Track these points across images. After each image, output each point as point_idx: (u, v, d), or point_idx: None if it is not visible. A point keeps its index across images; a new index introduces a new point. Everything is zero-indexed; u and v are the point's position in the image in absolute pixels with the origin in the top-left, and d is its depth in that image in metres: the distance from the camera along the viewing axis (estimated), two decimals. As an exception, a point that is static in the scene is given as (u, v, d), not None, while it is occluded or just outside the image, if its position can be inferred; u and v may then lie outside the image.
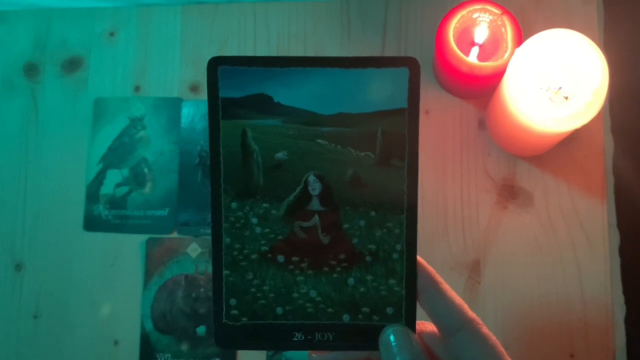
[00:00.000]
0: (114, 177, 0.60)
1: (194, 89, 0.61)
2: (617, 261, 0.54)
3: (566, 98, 0.48)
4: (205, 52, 0.61)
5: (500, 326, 0.54)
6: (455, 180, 0.56)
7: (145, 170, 0.60)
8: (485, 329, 0.27)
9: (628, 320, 0.53)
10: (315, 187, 0.27)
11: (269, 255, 0.27)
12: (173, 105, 0.60)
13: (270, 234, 0.27)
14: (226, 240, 0.27)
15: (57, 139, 0.61)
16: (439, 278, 0.28)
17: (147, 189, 0.59)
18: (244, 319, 0.27)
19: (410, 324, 0.27)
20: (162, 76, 0.61)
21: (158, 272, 0.58)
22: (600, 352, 0.53)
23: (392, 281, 0.27)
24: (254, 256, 0.27)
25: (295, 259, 0.27)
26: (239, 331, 0.27)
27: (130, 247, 0.59)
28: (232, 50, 0.61)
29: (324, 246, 0.27)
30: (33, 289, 0.59)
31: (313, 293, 0.27)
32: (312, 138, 0.26)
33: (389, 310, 0.27)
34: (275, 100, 0.26)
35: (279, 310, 0.27)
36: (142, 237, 0.58)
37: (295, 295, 0.27)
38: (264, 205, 0.27)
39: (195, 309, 0.57)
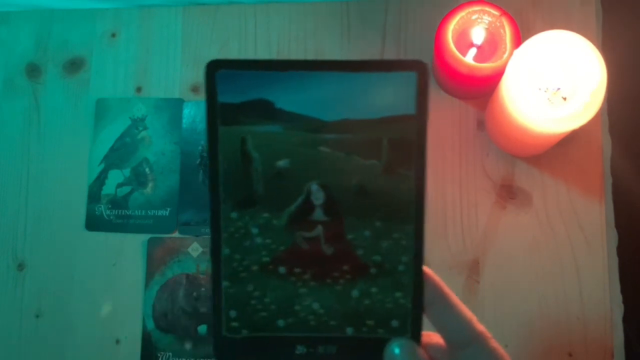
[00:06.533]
0: (115, 177, 0.60)
1: (195, 89, 0.61)
2: (615, 261, 0.55)
3: (564, 99, 0.48)
4: (206, 53, 0.62)
5: (499, 325, 0.54)
6: (454, 181, 0.56)
7: (147, 170, 0.60)
8: (494, 343, 0.26)
9: (626, 320, 0.54)
10: (318, 197, 0.25)
11: (270, 267, 0.26)
12: (174, 105, 0.61)
13: (271, 244, 0.26)
14: (225, 251, 0.26)
15: (59, 140, 0.62)
16: (447, 290, 0.27)
17: (149, 189, 0.60)
18: (245, 332, 0.26)
19: (416, 337, 0.26)
20: (163, 77, 0.62)
21: (159, 271, 0.58)
22: (598, 351, 0.53)
23: (398, 294, 0.26)
24: (254, 267, 0.26)
25: (297, 270, 0.26)
26: (239, 344, 0.26)
27: (131, 246, 0.59)
28: (232, 51, 0.61)
29: (328, 257, 0.26)
30: (35, 288, 0.59)
31: (316, 305, 0.26)
32: (315, 145, 0.25)
33: (395, 323, 0.26)
34: (277, 105, 0.25)
35: (281, 322, 0.26)
36: (144, 237, 0.59)
37: (298, 307, 0.26)
38: (265, 215, 0.26)
39: (197, 308, 0.57)
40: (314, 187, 0.25)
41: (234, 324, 0.26)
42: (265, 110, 0.25)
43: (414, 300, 0.26)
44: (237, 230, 0.26)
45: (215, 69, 0.25)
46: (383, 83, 0.25)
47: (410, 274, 0.26)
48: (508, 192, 0.56)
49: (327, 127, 0.25)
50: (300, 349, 0.26)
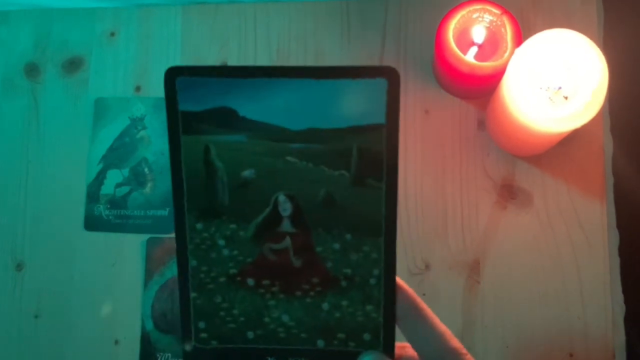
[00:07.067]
0: (114, 177, 0.60)
1: (195, 89, 0.61)
2: (617, 261, 0.54)
3: (566, 98, 0.48)
4: (205, 52, 0.61)
5: (500, 325, 0.54)
6: (454, 180, 0.56)
7: (146, 170, 0.60)
8: (468, 358, 0.25)
9: (627, 320, 0.54)
10: (285, 208, 0.25)
11: (238, 279, 0.25)
12: (173, 105, 0.61)
13: (238, 256, 0.25)
14: (192, 262, 0.26)
15: (58, 139, 0.61)
16: (420, 303, 0.26)
17: (148, 188, 0.60)
18: (214, 343, 0.26)
19: (389, 350, 0.26)
20: (162, 76, 0.61)
21: (158, 271, 0.58)
22: (599, 351, 0.53)
23: (369, 307, 0.25)
24: (222, 279, 0.26)
25: (265, 282, 0.25)
26: (208, 355, 0.26)
27: (130, 246, 0.59)
28: (232, 50, 0.61)
29: (296, 269, 0.25)
30: (34, 288, 0.59)
31: (285, 317, 0.26)
32: (281, 155, 0.24)
33: (366, 336, 0.26)
34: (240, 114, 0.24)
35: (250, 334, 0.26)
36: (143, 237, 0.59)
37: (267, 319, 0.26)
38: (231, 226, 0.25)
39: (196, 309, 0.57)
40: (281, 197, 0.25)
41: (203, 335, 0.26)
42: (228, 119, 0.24)
43: (385, 314, 0.25)
44: (203, 241, 0.25)
45: (174, 75, 0.24)
46: (352, 90, 0.23)
47: (382, 287, 0.25)
48: (509, 192, 0.56)
49: (293, 136, 0.24)
50: None
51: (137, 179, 0.60)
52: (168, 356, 0.57)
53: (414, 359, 0.27)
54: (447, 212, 0.56)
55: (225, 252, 0.25)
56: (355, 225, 0.25)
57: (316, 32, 0.61)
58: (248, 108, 0.23)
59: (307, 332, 0.26)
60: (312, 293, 0.25)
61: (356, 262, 0.25)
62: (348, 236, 0.25)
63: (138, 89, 0.61)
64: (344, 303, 0.25)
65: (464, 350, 0.26)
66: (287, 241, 0.25)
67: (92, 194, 0.60)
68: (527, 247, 0.55)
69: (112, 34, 0.63)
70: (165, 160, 0.60)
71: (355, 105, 0.24)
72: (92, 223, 0.59)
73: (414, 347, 0.27)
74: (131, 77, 0.62)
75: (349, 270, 0.25)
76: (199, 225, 0.25)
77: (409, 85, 0.58)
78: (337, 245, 0.25)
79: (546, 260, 0.54)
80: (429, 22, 0.59)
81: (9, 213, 0.61)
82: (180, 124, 0.24)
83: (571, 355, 0.53)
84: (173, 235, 0.59)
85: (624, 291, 0.54)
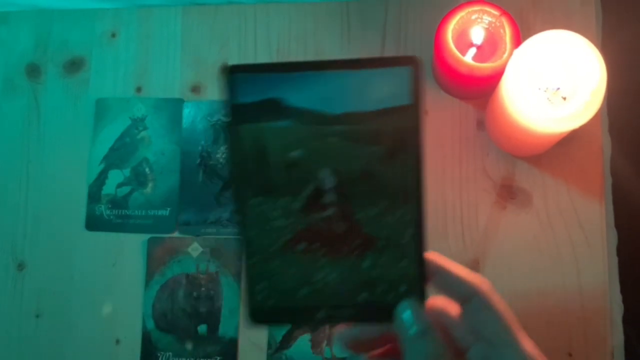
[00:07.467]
0: (115, 177, 0.60)
1: (195, 89, 0.61)
2: (615, 260, 0.55)
3: (564, 98, 0.48)
4: (206, 53, 0.62)
5: (499, 325, 0.54)
6: (454, 181, 0.56)
7: (147, 170, 0.60)
8: (495, 297, 0.30)
9: (626, 319, 0.54)
10: (329, 181, 0.29)
11: (291, 245, 0.30)
12: (174, 105, 0.61)
13: (290, 225, 0.29)
14: (251, 233, 0.30)
15: (59, 140, 0.62)
16: (446, 260, 0.31)
17: (149, 188, 0.60)
18: (272, 301, 0.30)
19: (422, 299, 0.30)
20: (163, 77, 0.62)
21: (159, 271, 0.58)
22: (598, 350, 0.53)
23: (403, 263, 0.29)
24: (276, 246, 0.30)
25: (314, 246, 0.29)
26: (268, 311, 0.30)
27: (131, 246, 0.59)
28: (232, 50, 0.61)
29: (339, 234, 0.29)
30: (35, 288, 0.59)
31: (331, 276, 0.30)
32: (324, 136, 0.28)
33: (402, 288, 0.29)
34: (287, 103, 0.28)
35: (302, 291, 0.30)
36: (144, 237, 0.59)
37: (316, 278, 0.30)
38: (283, 199, 0.29)
39: (197, 308, 0.57)
40: (325, 173, 0.29)
41: (263, 294, 0.30)
42: (277, 108, 0.28)
43: (418, 268, 0.30)
44: (260, 214, 0.29)
45: (231, 72, 0.28)
46: (381, 78, 0.28)
47: (413, 245, 0.29)
48: (508, 192, 0.56)
49: (333, 119, 0.28)
50: (320, 314, 0.30)
51: (138, 179, 0.60)
52: (169, 356, 0.57)
53: (443, 307, 0.32)
54: (447, 212, 0.56)
55: (279, 222, 0.29)
56: (389, 194, 0.29)
57: (316, 32, 0.61)
58: (294, 97, 0.28)
59: (350, 288, 0.30)
60: (353, 254, 0.29)
61: (391, 225, 0.29)
62: (383, 203, 0.29)
63: (139, 89, 0.61)
64: (382, 261, 0.29)
65: (489, 286, 0.31)
66: (331, 210, 0.29)
67: (93, 194, 0.60)
68: (527, 247, 0.55)
69: (113, 35, 0.63)
70: (165, 160, 0.60)
71: (385, 90, 0.28)
72: (93, 223, 0.60)
73: (445, 294, 0.31)
74: (132, 78, 0.62)
75: (384, 232, 0.29)
76: (255, 201, 0.29)
77: (409, 85, 0.58)
78: (374, 211, 0.29)
79: (546, 260, 0.55)
80: (429, 22, 0.59)
81: (9, 213, 0.61)
82: (236, 114, 0.28)
83: (570, 354, 0.53)
84: (173, 235, 0.59)
85: (623, 291, 0.54)
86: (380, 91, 0.28)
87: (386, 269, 0.30)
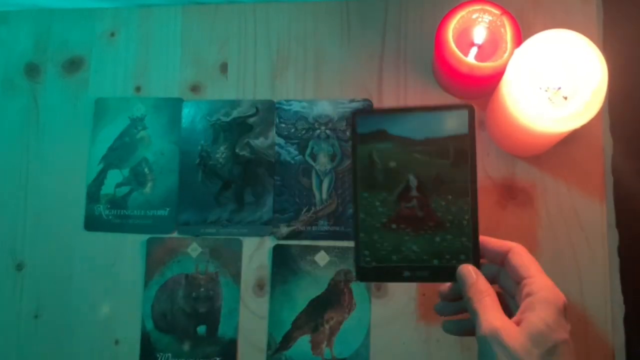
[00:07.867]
0: (114, 177, 0.60)
1: (195, 89, 0.61)
2: (616, 261, 0.54)
3: (565, 98, 0.48)
4: (205, 52, 0.61)
5: (500, 326, 0.54)
6: (454, 180, 0.56)
7: (146, 170, 0.60)
8: (523, 250, 0.42)
9: (627, 320, 0.54)
10: (413, 182, 0.43)
11: (387, 224, 0.43)
12: (173, 105, 0.61)
13: (387, 211, 0.43)
14: (361, 215, 0.43)
15: (58, 139, 0.61)
16: (486, 237, 0.43)
17: (148, 188, 0.60)
18: (373, 263, 0.43)
19: (476, 264, 0.42)
20: (162, 76, 0.61)
21: (158, 271, 0.58)
22: (599, 351, 0.53)
23: (463, 238, 0.42)
24: (377, 224, 0.43)
25: (402, 226, 0.43)
26: (370, 271, 0.43)
27: (130, 246, 0.59)
28: (232, 50, 0.61)
29: (420, 218, 0.42)
30: (34, 288, 0.59)
31: (414, 247, 0.43)
32: (411, 153, 0.42)
33: (462, 256, 0.42)
34: (389, 132, 0.43)
35: (394, 257, 0.43)
36: (143, 237, 0.59)
37: (404, 248, 0.43)
38: (383, 194, 0.43)
39: (196, 309, 0.57)
40: (411, 176, 0.43)
41: (367, 259, 0.43)
42: (382, 135, 0.43)
43: (473, 242, 0.42)
44: (368, 203, 0.43)
45: (355, 115, 0.44)
46: (449, 115, 0.42)
47: (470, 226, 0.42)
48: (509, 192, 0.56)
49: (417, 142, 0.42)
50: (406, 274, 0.43)
51: (137, 179, 0.60)
52: (168, 356, 0.57)
53: (492, 268, 0.44)
54: (447, 212, 0.56)
55: (380, 209, 0.43)
56: (453, 191, 0.42)
57: (316, 32, 0.61)
58: (392, 129, 0.43)
59: (427, 255, 0.42)
60: (429, 232, 0.42)
61: (455, 212, 0.42)
62: (450, 197, 0.42)
63: (138, 89, 0.61)
64: (449, 237, 0.42)
65: (517, 245, 0.42)
66: (414, 202, 0.43)
67: (92, 194, 0.60)
68: (527, 247, 0.55)
69: (112, 34, 0.63)
70: (164, 160, 0.60)
71: (451, 124, 0.42)
72: (92, 223, 0.59)
73: (489, 259, 0.43)
74: (131, 77, 0.62)
75: (450, 217, 0.42)
76: (365, 194, 0.43)
77: (409, 85, 0.58)
78: (443, 202, 0.42)
79: (546, 260, 0.54)
80: (429, 22, 0.59)
81: (9, 213, 0.61)
82: (358, 139, 0.43)
83: (571, 355, 0.53)
84: (173, 235, 0.59)
85: (624, 291, 0.54)
86: (448, 124, 0.42)
87: (451, 243, 0.42)
